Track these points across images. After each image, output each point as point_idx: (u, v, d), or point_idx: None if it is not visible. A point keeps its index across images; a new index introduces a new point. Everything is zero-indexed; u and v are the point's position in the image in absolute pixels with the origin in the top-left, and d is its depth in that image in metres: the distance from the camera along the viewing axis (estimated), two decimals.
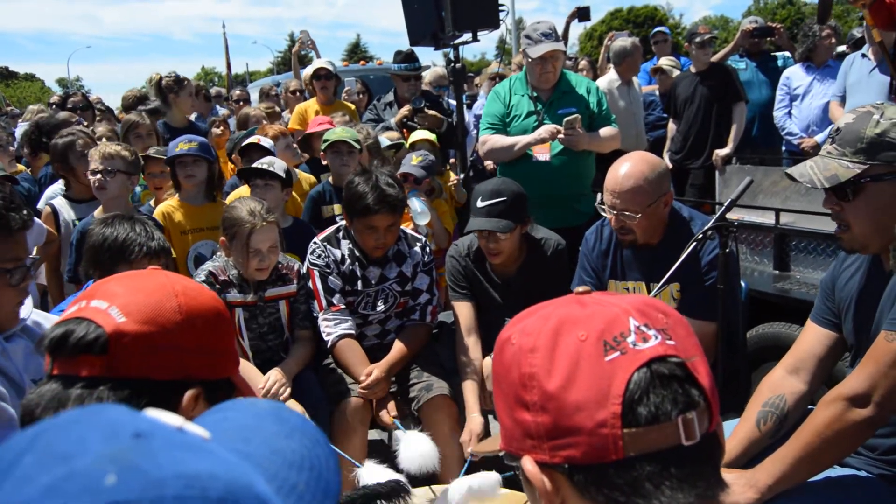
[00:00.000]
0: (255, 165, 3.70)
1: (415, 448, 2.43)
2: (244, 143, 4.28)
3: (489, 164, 5.51)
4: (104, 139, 4.43)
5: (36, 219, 3.94)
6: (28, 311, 2.03)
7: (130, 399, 1.00)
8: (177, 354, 1.06)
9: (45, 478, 0.44)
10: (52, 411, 0.98)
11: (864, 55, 4.88)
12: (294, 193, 4.06)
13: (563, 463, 0.80)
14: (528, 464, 0.83)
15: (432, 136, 4.63)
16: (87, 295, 1.09)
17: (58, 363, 1.03)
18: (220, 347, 1.14)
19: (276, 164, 3.65)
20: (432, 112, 5.07)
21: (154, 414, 0.55)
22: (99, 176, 3.53)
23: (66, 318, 1.05)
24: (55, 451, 0.47)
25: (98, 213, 3.59)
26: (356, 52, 60.07)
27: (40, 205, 4.31)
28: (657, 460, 0.77)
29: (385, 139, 4.60)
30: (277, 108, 6.61)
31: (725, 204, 2.36)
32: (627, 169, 2.58)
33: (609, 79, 6.11)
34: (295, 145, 4.76)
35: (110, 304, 1.05)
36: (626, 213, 2.58)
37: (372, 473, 2.11)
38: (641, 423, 0.77)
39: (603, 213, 2.72)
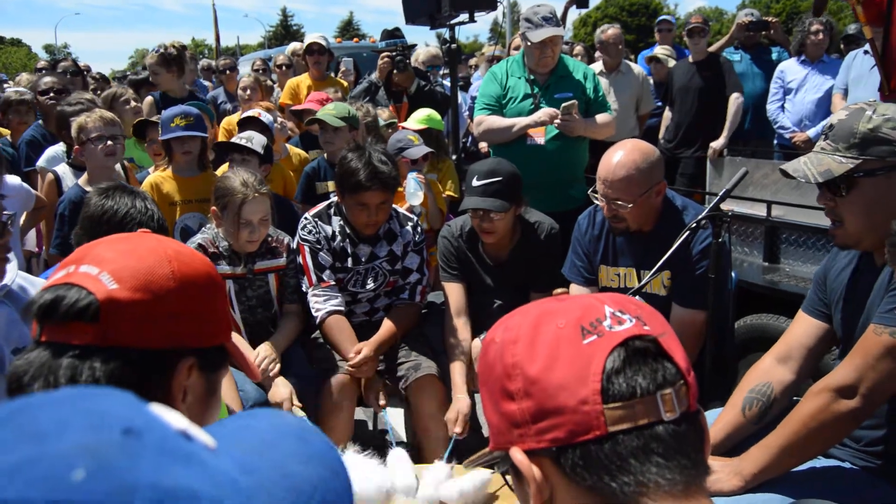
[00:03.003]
0: (233, 140, 3.67)
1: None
2: (243, 116, 4.23)
3: (483, 146, 5.50)
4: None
5: (24, 184, 3.88)
6: (12, 275, 1.97)
7: (123, 369, 0.97)
8: (170, 322, 1.02)
9: (14, 456, 0.41)
10: (41, 379, 0.95)
11: (866, 52, 4.91)
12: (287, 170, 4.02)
13: (549, 446, 0.81)
14: (517, 454, 0.84)
15: (437, 116, 4.57)
16: (76, 259, 1.04)
17: (47, 329, 0.99)
18: (214, 314, 1.10)
19: (255, 140, 3.61)
20: (407, 71, 5.18)
21: (158, 411, 0.49)
22: (109, 142, 3.45)
23: (54, 283, 1.00)
24: (32, 430, 0.43)
25: (83, 181, 3.53)
26: (349, 29, 59.58)
27: (41, 163, 4.27)
28: (639, 435, 0.79)
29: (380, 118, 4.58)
30: (269, 82, 6.52)
31: (720, 194, 2.35)
32: (620, 158, 2.57)
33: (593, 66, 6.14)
34: (281, 121, 4.71)
35: (101, 270, 1.00)
36: (618, 201, 2.57)
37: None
38: (621, 398, 0.79)
39: (595, 201, 2.71)
